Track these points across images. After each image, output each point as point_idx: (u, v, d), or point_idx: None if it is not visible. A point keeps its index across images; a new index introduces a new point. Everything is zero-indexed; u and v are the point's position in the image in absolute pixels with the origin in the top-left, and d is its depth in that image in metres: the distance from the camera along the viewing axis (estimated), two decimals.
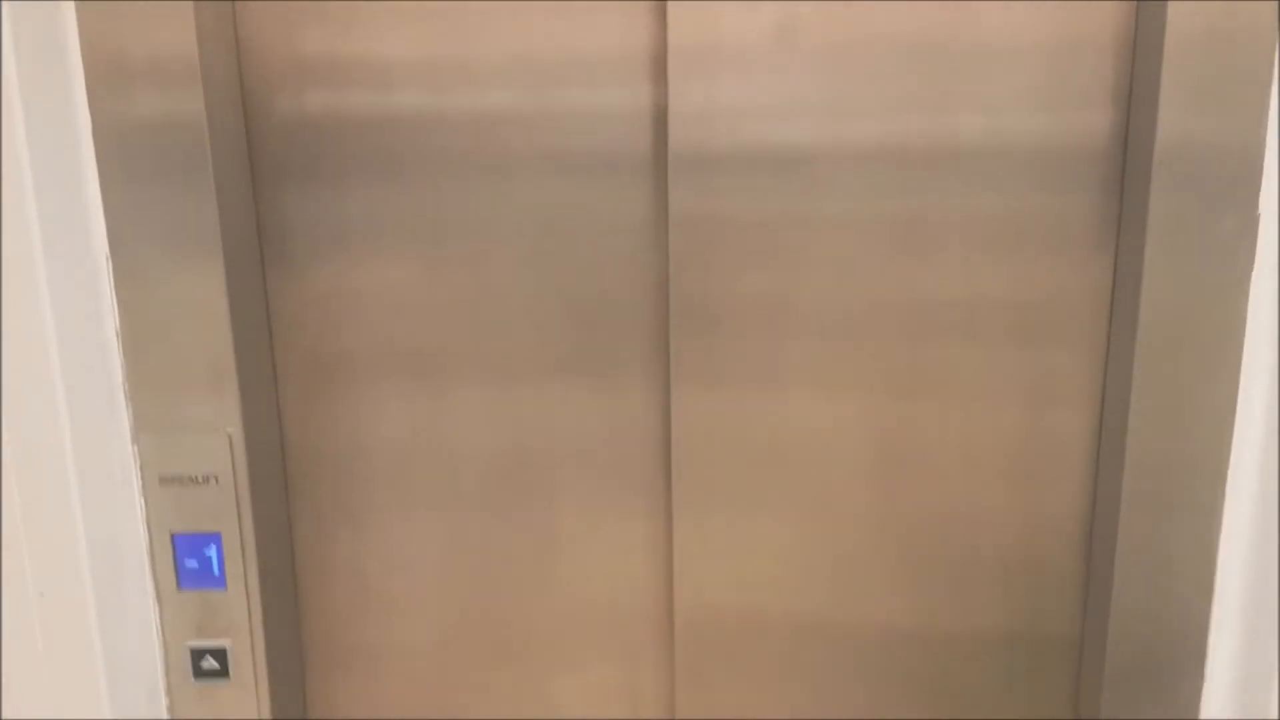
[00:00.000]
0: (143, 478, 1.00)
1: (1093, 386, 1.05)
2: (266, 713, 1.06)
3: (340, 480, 1.10)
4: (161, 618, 1.04)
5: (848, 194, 1.01)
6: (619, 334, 1.07)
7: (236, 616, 1.03)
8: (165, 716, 1.06)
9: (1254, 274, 0.96)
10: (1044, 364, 1.05)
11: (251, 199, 1.02)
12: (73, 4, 0.91)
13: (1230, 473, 1.00)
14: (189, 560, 1.01)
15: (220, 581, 1.02)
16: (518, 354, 1.07)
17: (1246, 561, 1.02)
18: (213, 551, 1.01)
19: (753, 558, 1.11)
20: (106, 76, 0.93)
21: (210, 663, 1.04)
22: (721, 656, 1.13)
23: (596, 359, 1.07)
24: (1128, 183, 0.99)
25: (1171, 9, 0.90)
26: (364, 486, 1.10)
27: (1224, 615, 1.03)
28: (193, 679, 1.05)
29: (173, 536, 1.01)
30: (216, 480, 1.00)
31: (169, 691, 1.05)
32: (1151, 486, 1.01)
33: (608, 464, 1.10)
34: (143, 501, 1.01)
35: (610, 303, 1.06)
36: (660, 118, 1.01)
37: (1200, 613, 1.03)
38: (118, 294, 0.97)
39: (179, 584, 1.02)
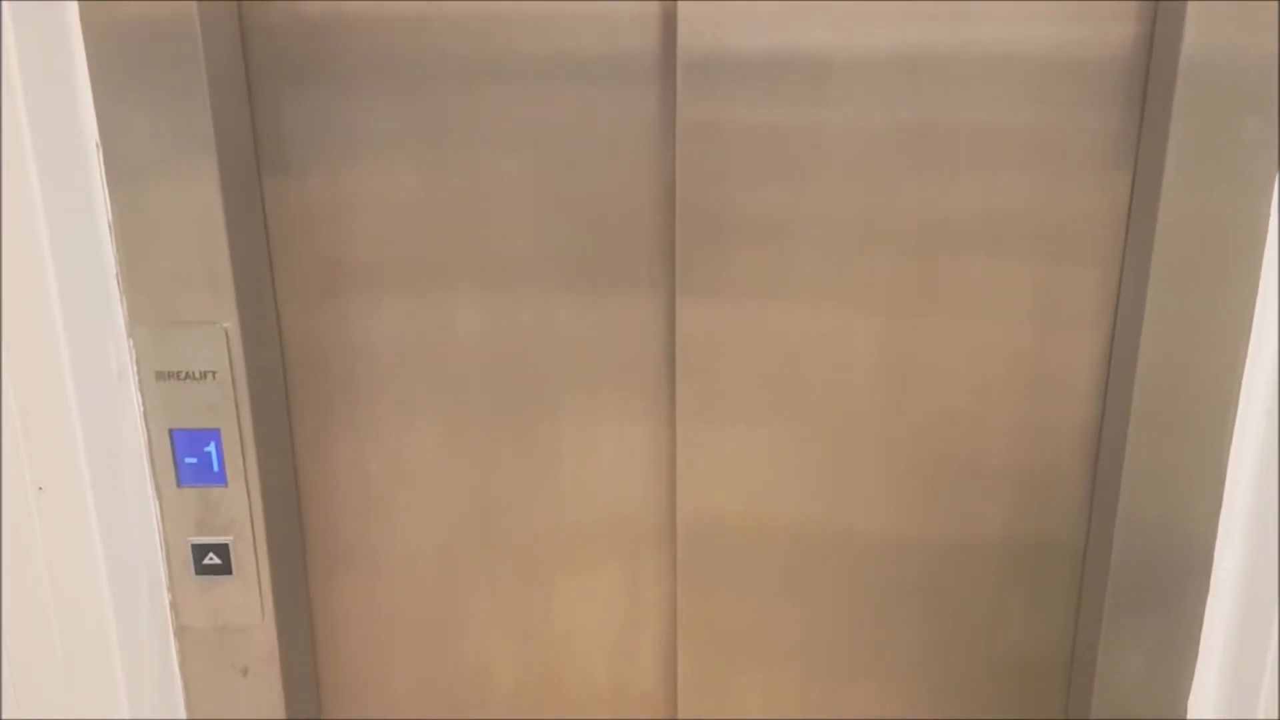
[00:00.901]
0: (139, 373, 0.99)
1: (1106, 302, 1.04)
2: (269, 609, 1.06)
3: (341, 383, 1.09)
4: (162, 514, 1.03)
5: (862, 103, 0.99)
6: (624, 243, 1.05)
7: (237, 513, 1.03)
8: (167, 612, 1.07)
9: (1274, 194, 0.94)
10: (1057, 279, 1.04)
11: (246, 102, 0.99)
12: None
13: (1242, 388, 0.99)
14: (188, 457, 1.01)
15: (220, 478, 1.02)
16: (520, 263, 1.05)
17: (1255, 474, 1.01)
18: (212, 448, 1.00)
19: (756, 466, 1.11)
20: None
21: (212, 559, 1.04)
22: (723, 563, 1.14)
23: (601, 268, 1.06)
24: (1150, 97, 0.96)
25: None
26: (365, 390, 1.09)
27: (1231, 526, 1.04)
28: (194, 575, 1.05)
29: (171, 433, 1.00)
30: (214, 376, 0.98)
31: (171, 587, 1.06)
32: (1162, 400, 1.00)
33: (611, 373, 1.09)
34: (140, 397, 1.00)
35: (615, 212, 1.04)
36: (669, 19, 0.97)
37: (1207, 524, 1.03)
38: (110, 191, 0.95)
39: (179, 480, 1.02)
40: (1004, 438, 1.09)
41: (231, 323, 0.98)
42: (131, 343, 0.99)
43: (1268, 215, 0.94)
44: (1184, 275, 0.96)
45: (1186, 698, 1.09)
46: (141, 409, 1.00)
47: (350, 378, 1.09)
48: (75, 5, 0.90)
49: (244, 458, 1.02)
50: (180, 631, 1.07)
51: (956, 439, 1.09)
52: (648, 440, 1.11)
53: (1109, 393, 1.06)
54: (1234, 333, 0.98)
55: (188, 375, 0.99)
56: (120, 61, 0.92)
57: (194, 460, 1.01)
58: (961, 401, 1.08)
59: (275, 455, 1.06)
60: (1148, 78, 0.97)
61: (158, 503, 1.03)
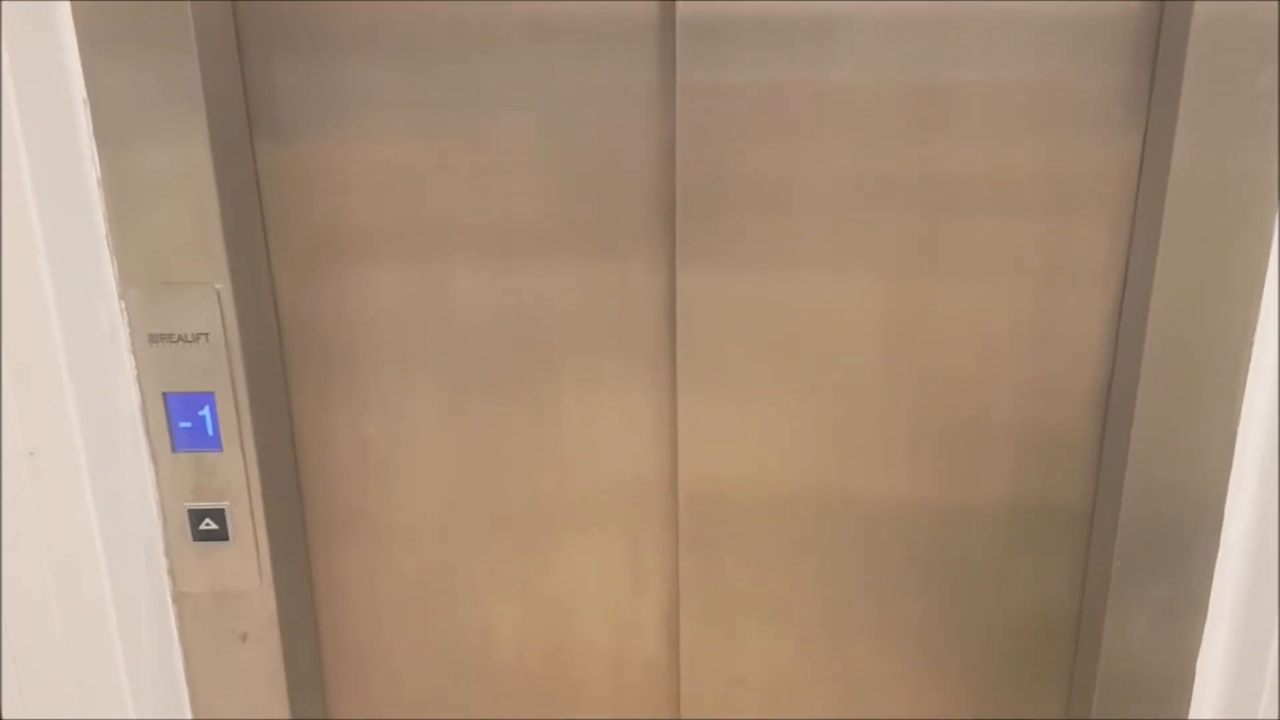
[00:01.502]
0: (131, 335, 0.97)
1: (1115, 262, 1.02)
2: (268, 575, 1.05)
3: (339, 348, 1.07)
4: (157, 479, 1.02)
5: (865, 62, 0.97)
6: (624, 208, 1.03)
7: (234, 478, 1.02)
8: (165, 578, 1.06)
9: None
10: (1066, 240, 1.02)
11: (237, 63, 0.97)
12: None
13: (1254, 348, 0.98)
14: (183, 421, 0.99)
15: (215, 443, 1.00)
16: (519, 228, 1.04)
17: (1266, 435, 1.00)
18: (206, 412, 0.99)
19: (759, 433, 1.10)
20: None
21: (209, 525, 1.03)
22: (726, 529, 1.13)
23: (600, 234, 1.04)
24: (1162, 54, 0.94)
25: None
26: (364, 355, 1.08)
27: (1241, 488, 1.02)
28: (191, 540, 1.04)
29: (165, 396, 0.99)
30: (207, 338, 0.97)
31: (168, 553, 1.05)
32: (1172, 360, 0.99)
33: (612, 340, 1.08)
34: (132, 360, 0.98)
35: (615, 176, 1.02)
36: None
37: (1217, 485, 1.02)
38: (99, 150, 0.93)
39: (174, 445, 1.00)
40: (1011, 400, 1.08)
41: (224, 284, 0.96)
42: (123, 304, 0.97)
43: (1277, 174, 0.92)
44: (1195, 234, 0.95)
45: (1195, 659, 1.08)
46: (134, 372, 0.99)
47: (348, 343, 1.07)
48: None
49: (239, 422, 1.00)
50: (178, 598, 1.06)
51: (962, 402, 1.08)
52: (649, 407, 1.10)
53: (1118, 354, 1.05)
54: (1246, 292, 0.96)
55: (180, 338, 0.97)
56: (107, 20, 0.90)
57: (189, 424, 0.99)
58: (968, 364, 1.07)
59: (271, 419, 1.05)
60: (1159, 34, 0.94)
61: (153, 468, 1.01)
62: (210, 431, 1.00)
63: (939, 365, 1.07)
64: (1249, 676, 1.06)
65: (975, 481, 1.11)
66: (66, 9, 0.89)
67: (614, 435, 1.11)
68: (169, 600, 1.06)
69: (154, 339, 0.97)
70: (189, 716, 1.10)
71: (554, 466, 1.12)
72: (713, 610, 1.16)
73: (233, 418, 1.00)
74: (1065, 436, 1.09)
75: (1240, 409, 1.00)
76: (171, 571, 1.05)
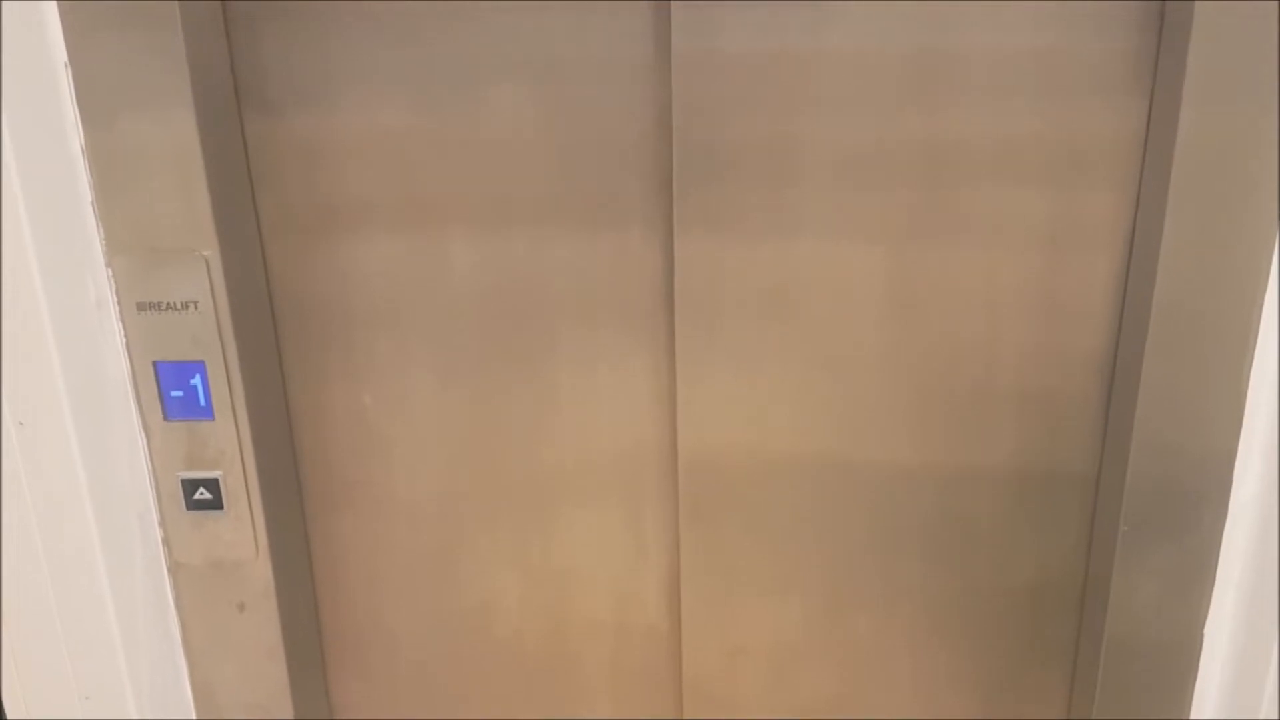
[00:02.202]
0: (120, 304, 0.96)
1: (1122, 228, 1.01)
2: (264, 545, 1.05)
3: (333, 319, 1.06)
4: (149, 449, 1.01)
5: (865, 29, 0.95)
6: (620, 178, 1.01)
7: (227, 447, 1.01)
8: (160, 548, 1.05)
9: None
10: (1072, 206, 1.00)
11: (224, 35, 0.95)
12: None
13: (1263, 309, 0.96)
14: (174, 389, 0.98)
15: (208, 411, 0.99)
16: (514, 200, 1.02)
17: (1276, 396, 0.98)
18: (197, 380, 0.98)
19: (759, 400, 1.08)
20: None
21: (203, 494, 1.02)
22: (726, 496, 1.12)
23: (597, 204, 1.02)
24: (1167, 18, 0.92)
25: None
26: (358, 326, 1.06)
27: (1250, 450, 1.01)
28: (185, 510, 1.03)
29: (155, 365, 0.97)
30: (196, 306, 0.95)
31: (163, 524, 1.04)
32: (1180, 323, 0.97)
33: (610, 309, 1.06)
34: (121, 328, 0.97)
35: (610, 145, 1.00)
36: None
37: (1225, 447, 1.00)
38: (82, 116, 0.91)
39: (165, 414, 0.99)
40: (1016, 366, 1.06)
41: (212, 252, 0.95)
42: (110, 272, 0.95)
43: None
44: (1203, 197, 0.93)
45: (1203, 623, 1.06)
46: (124, 340, 0.97)
47: (342, 314, 1.06)
48: None
49: (231, 391, 0.99)
50: (174, 568, 1.05)
51: (966, 368, 1.06)
52: (647, 377, 1.09)
53: (1124, 316, 1.03)
54: (1254, 254, 0.95)
55: (169, 306, 0.96)
56: None
57: (180, 393, 0.98)
58: (972, 329, 1.05)
59: (264, 389, 1.03)
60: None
61: (145, 437, 1.00)
62: (202, 400, 0.99)
63: (942, 332, 1.05)
64: (1257, 642, 1.04)
65: (979, 448, 1.09)
66: None
67: (612, 405, 1.10)
68: (165, 571, 1.05)
69: (142, 307, 0.96)
70: (187, 686, 1.10)
71: (552, 437, 1.11)
72: (714, 579, 1.15)
73: (224, 386, 0.99)
74: (1071, 402, 1.07)
75: (1249, 373, 0.98)
76: (166, 542, 1.04)
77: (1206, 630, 1.06)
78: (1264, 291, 0.96)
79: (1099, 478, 1.10)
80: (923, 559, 1.14)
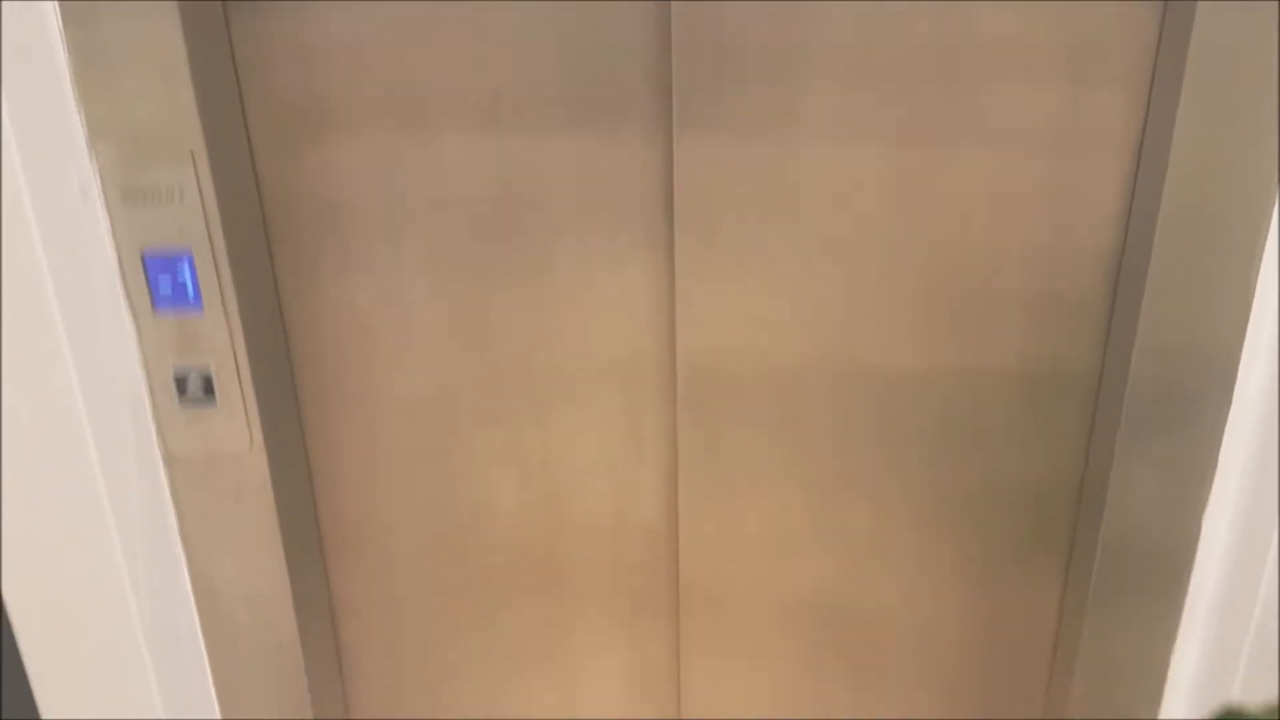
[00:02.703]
0: (105, 192, 0.93)
1: (1132, 130, 0.98)
2: (258, 438, 1.04)
3: (325, 218, 1.04)
4: (140, 342, 1.00)
5: None
6: (618, 77, 0.98)
7: (218, 340, 0.99)
8: (154, 442, 1.04)
9: None
10: (1081, 107, 0.98)
11: None
12: None
13: (1273, 209, 0.94)
14: (162, 281, 0.96)
15: (197, 304, 0.97)
16: (511, 99, 0.99)
17: None
18: (185, 271, 0.96)
19: (760, 302, 1.07)
20: None
21: (195, 388, 1.01)
22: (725, 397, 1.11)
23: (595, 105, 1.00)
24: None
25: None
26: (351, 225, 1.04)
27: (1256, 346, 0.99)
28: (178, 405, 1.02)
29: (143, 255, 0.95)
30: (182, 194, 0.93)
31: (156, 417, 1.03)
32: (1188, 222, 0.96)
33: (608, 212, 1.04)
34: (107, 218, 0.95)
35: (609, 45, 0.97)
36: None
37: (1231, 345, 0.99)
38: (63, 14, 0.88)
39: (154, 306, 0.98)
40: (1022, 264, 1.05)
41: (197, 144, 0.92)
42: (94, 159, 0.93)
43: None
44: (1215, 98, 0.92)
45: (1200, 519, 1.06)
46: (109, 230, 0.95)
47: (334, 211, 1.03)
48: None
49: (220, 283, 0.97)
50: (169, 461, 1.05)
51: (971, 267, 1.05)
52: (647, 275, 1.07)
53: (1132, 218, 1.01)
54: (1264, 157, 0.93)
55: (155, 194, 0.93)
56: None
57: (168, 285, 0.97)
58: (977, 229, 1.03)
59: (254, 283, 1.02)
60: None
61: (135, 330, 0.99)
62: (191, 292, 0.97)
63: (947, 232, 1.03)
64: (1255, 538, 1.04)
65: (982, 347, 1.08)
66: None
67: (611, 305, 1.08)
68: (160, 464, 1.05)
69: (128, 196, 0.93)
70: (186, 578, 1.11)
71: (549, 336, 1.10)
72: (711, 476, 1.15)
73: (213, 278, 0.97)
74: (1075, 302, 1.06)
75: (1256, 273, 0.97)
76: (160, 435, 1.04)
77: (1204, 525, 1.06)
78: (1273, 192, 0.94)
79: (1101, 377, 1.08)
80: (922, 456, 1.14)
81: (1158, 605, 1.12)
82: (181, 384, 1.01)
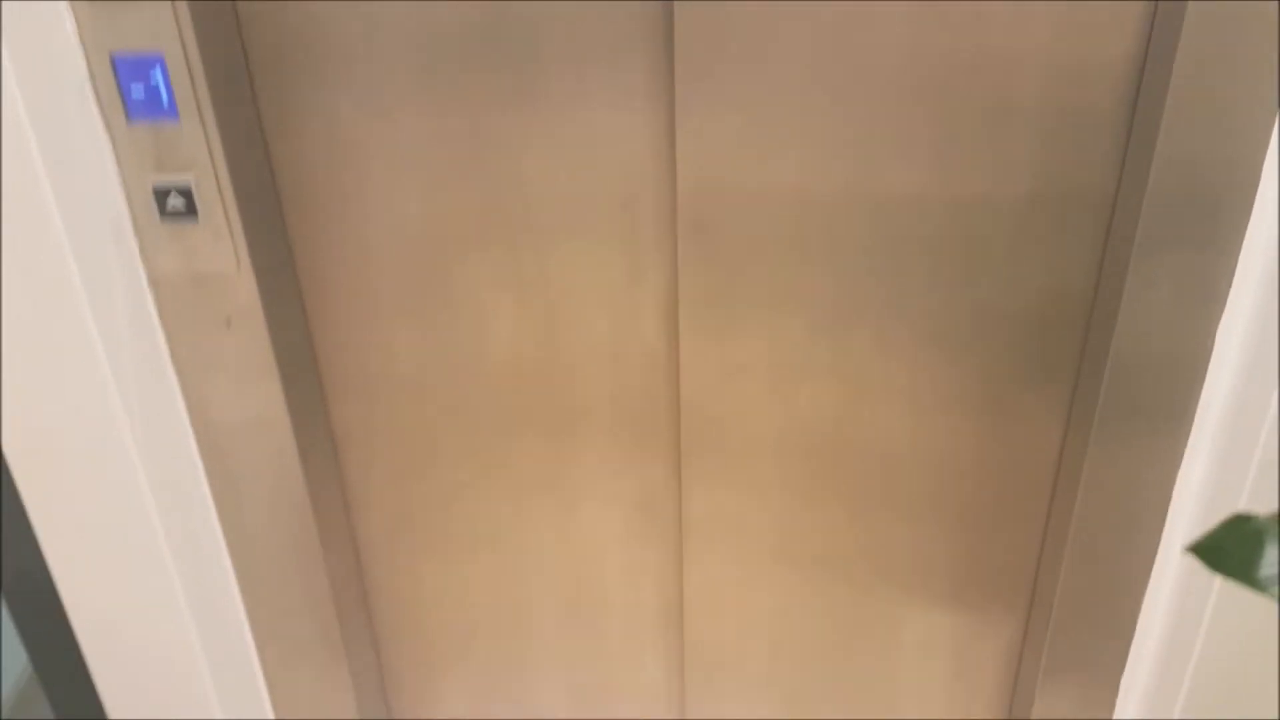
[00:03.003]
0: None
1: None
2: (245, 257, 1.01)
3: (305, 34, 0.98)
4: (116, 154, 0.96)
5: None
6: None
7: (196, 152, 0.95)
8: (137, 261, 1.01)
9: None
10: None
11: None
12: None
13: None
14: (134, 87, 0.92)
15: (172, 112, 0.93)
16: None
17: None
18: (158, 77, 0.91)
19: (762, 128, 1.02)
20: None
21: (176, 202, 0.97)
22: (725, 221, 1.07)
23: None
24: None
25: None
26: (334, 41, 0.98)
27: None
28: (159, 220, 0.99)
29: (112, 58, 0.90)
30: None
31: (137, 234, 1.00)
32: (1211, 31, 0.91)
33: (607, 43, 0.99)
34: (73, 17, 0.89)
35: None
36: None
37: (1252, 157, 0.95)
38: None
39: (128, 115, 0.93)
40: (1037, 77, 0.99)
41: None
42: None
43: None
44: None
45: (1214, 331, 1.04)
46: (76, 30, 0.90)
47: (314, 25, 0.98)
48: None
49: (195, 89, 0.93)
50: (154, 282, 1.02)
51: (983, 82, 0.99)
52: (647, 105, 1.02)
53: (1155, 24, 0.96)
54: None
55: None
56: None
57: (140, 91, 0.92)
58: (991, 40, 0.97)
59: (231, 91, 0.97)
60: None
61: (110, 141, 0.95)
62: (165, 100, 0.92)
63: (958, 41, 0.97)
64: (1267, 349, 1.02)
65: (993, 167, 1.04)
66: None
67: (610, 134, 1.04)
68: (145, 286, 1.02)
69: None
70: (181, 405, 1.09)
71: (546, 164, 1.06)
72: (712, 301, 1.12)
73: (187, 84, 0.92)
74: (1093, 115, 1.01)
75: None
76: (143, 253, 1.01)
77: (1216, 340, 1.04)
78: None
79: (1118, 191, 1.04)
80: (927, 281, 1.10)
81: (1165, 423, 1.10)
82: (161, 199, 0.97)
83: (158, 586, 1.12)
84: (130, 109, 0.93)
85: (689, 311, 1.13)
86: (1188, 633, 1.18)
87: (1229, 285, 1.02)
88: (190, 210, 0.97)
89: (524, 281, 1.13)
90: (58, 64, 0.90)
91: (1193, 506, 1.13)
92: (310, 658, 1.28)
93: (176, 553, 1.11)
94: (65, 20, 0.90)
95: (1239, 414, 1.06)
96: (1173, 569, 1.18)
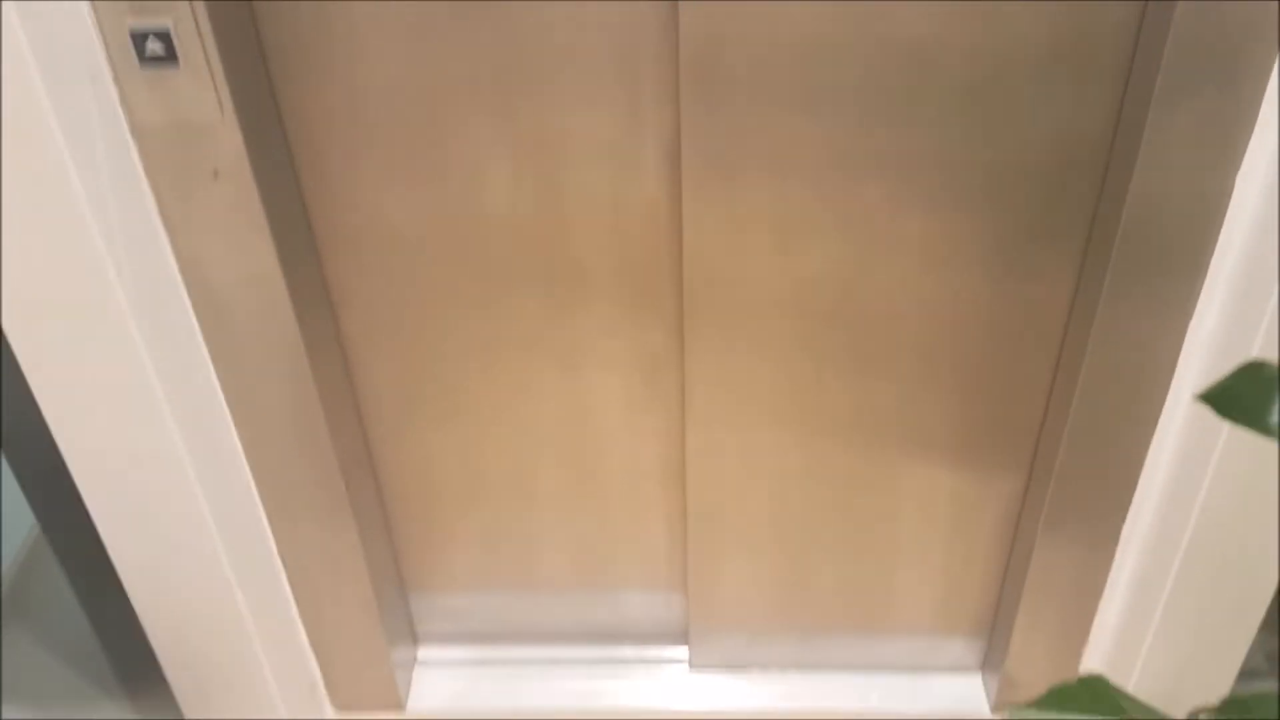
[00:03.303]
0: None
1: None
2: (229, 106, 0.97)
3: None
4: None
5: None
6: None
7: None
8: (119, 110, 0.97)
9: None
10: None
11: None
12: None
13: None
14: None
15: None
16: None
17: None
18: None
19: None
20: None
21: (155, 46, 0.93)
22: (729, 68, 1.03)
23: None
24: None
25: None
26: None
27: None
28: (139, 67, 0.94)
29: None
30: None
31: (117, 82, 0.96)
32: None
33: None
34: None
35: None
36: None
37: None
38: None
39: None
40: None
41: None
42: None
43: None
44: None
45: (1233, 177, 1.01)
46: None
47: None
48: None
49: None
50: (137, 132, 0.99)
51: None
52: None
53: None
54: None
55: None
56: None
57: None
58: None
59: None
60: None
61: None
62: None
63: None
64: None
65: (1011, 8, 0.99)
66: None
67: None
68: (128, 136, 0.99)
69: None
70: (172, 261, 1.07)
71: (543, 11, 1.01)
72: (716, 151, 1.09)
73: None
74: None
75: None
76: (124, 102, 0.97)
77: (1237, 181, 1.01)
78: None
79: (1139, 35, 1.00)
80: (939, 132, 1.06)
81: (1179, 274, 1.08)
82: (139, 43, 0.93)
83: (160, 447, 1.12)
84: None
85: (691, 166, 1.10)
86: (1190, 484, 1.18)
87: (1250, 130, 0.99)
88: (170, 55, 0.93)
89: (519, 134, 1.09)
90: None
91: (1201, 358, 1.12)
92: (316, 514, 1.29)
93: (177, 412, 1.10)
94: None
95: (1253, 264, 1.04)
96: (1179, 420, 1.17)
